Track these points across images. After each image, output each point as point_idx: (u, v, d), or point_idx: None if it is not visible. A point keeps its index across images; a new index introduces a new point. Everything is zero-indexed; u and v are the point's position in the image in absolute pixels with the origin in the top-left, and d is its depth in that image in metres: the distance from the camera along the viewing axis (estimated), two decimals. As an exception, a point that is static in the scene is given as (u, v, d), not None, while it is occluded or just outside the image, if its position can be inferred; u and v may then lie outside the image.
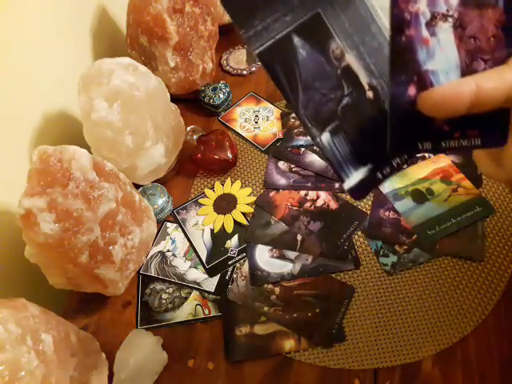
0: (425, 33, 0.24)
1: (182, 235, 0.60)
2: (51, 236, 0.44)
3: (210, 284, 0.55)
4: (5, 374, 0.34)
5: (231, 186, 0.63)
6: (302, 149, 0.66)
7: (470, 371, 0.45)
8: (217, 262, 0.57)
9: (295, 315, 0.51)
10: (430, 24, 0.24)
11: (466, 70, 0.25)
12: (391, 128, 0.25)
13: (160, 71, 0.68)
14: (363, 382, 0.46)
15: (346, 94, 0.27)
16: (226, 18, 0.83)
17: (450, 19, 0.24)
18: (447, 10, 0.24)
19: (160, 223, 0.61)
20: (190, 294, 0.55)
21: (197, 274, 0.56)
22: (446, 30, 0.24)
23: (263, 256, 0.56)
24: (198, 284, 0.55)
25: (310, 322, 0.50)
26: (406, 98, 0.25)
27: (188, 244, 0.59)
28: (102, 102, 0.54)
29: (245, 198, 0.61)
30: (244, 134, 0.70)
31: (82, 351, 0.44)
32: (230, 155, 0.63)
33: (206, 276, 0.56)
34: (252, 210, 0.60)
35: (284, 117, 0.71)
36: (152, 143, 0.59)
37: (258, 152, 0.67)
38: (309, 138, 0.67)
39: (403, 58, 0.24)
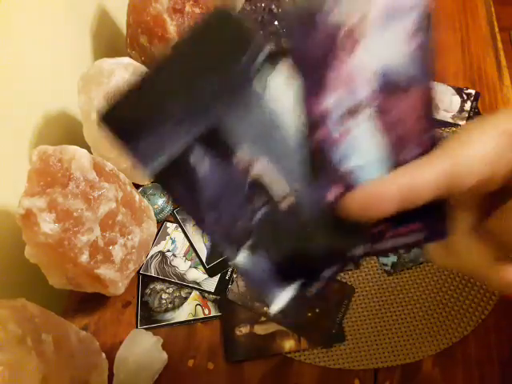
0: (340, 129, 0.21)
1: (182, 235, 0.60)
2: (51, 236, 0.44)
3: (210, 284, 0.55)
4: (5, 374, 0.34)
5: (231, 186, 0.63)
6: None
7: (470, 371, 0.45)
8: (217, 262, 0.57)
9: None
10: (345, 119, 0.21)
11: (397, 160, 0.22)
12: (314, 238, 0.22)
13: (160, 71, 0.68)
14: (363, 382, 0.46)
15: (258, 208, 0.23)
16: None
17: (368, 109, 0.21)
18: (365, 100, 0.21)
19: (160, 223, 0.61)
20: (190, 294, 0.55)
21: (197, 274, 0.56)
22: (364, 122, 0.21)
23: (263, 256, 0.56)
24: (198, 284, 0.55)
25: (310, 321, 0.50)
26: (327, 203, 0.21)
27: (188, 244, 0.59)
28: (101, 101, 0.54)
29: (245, 198, 0.61)
30: (244, 133, 0.70)
31: (82, 351, 0.44)
32: (229, 155, 0.63)
33: (206, 276, 0.56)
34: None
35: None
36: (152, 143, 0.59)
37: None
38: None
39: (317, 160, 0.21)
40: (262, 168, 0.22)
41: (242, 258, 0.23)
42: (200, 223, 0.22)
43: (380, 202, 0.20)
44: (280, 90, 0.22)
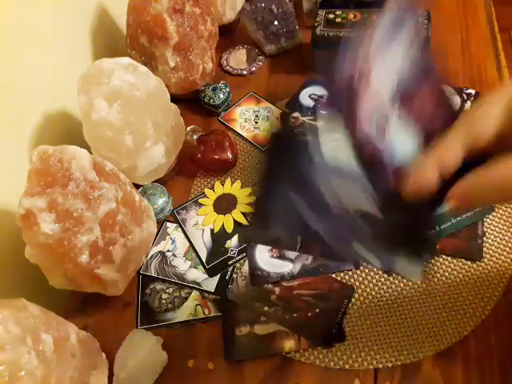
0: (382, 140, 0.30)
1: (182, 235, 0.60)
2: (51, 236, 0.44)
3: (210, 284, 0.55)
4: (5, 374, 0.34)
5: (231, 186, 0.63)
6: (302, 149, 0.66)
7: (469, 371, 0.45)
8: (217, 262, 0.57)
9: (295, 315, 0.51)
10: (382, 131, 0.30)
11: (428, 140, 0.29)
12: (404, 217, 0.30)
13: (160, 71, 0.68)
14: (363, 382, 0.46)
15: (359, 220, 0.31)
16: (226, 18, 0.83)
17: (395, 115, 0.30)
18: (390, 110, 0.30)
19: (160, 223, 0.61)
20: (190, 294, 0.55)
21: (197, 274, 0.56)
22: (397, 125, 0.30)
23: (263, 256, 0.56)
24: (198, 284, 0.55)
25: (309, 321, 0.50)
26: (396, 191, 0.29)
27: (188, 244, 0.59)
28: (101, 101, 0.54)
29: (245, 198, 0.61)
30: (244, 134, 0.70)
31: (82, 351, 0.44)
32: (229, 155, 0.63)
33: (206, 276, 0.56)
34: (252, 210, 0.60)
35: (284, 117, 0.71)
36: (152, 143, 0.59)
37: (257, 152, 0.67)
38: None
39: (374, 167, 0.30)
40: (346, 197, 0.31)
41: (359, 249, 0.31)
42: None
43: (427, 181, 0.27)
44: (332, 147, 0.31)
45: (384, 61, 0.29)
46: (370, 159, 0.29)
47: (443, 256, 0.53)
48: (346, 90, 0.30)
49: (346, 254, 0.31)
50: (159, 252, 0.59)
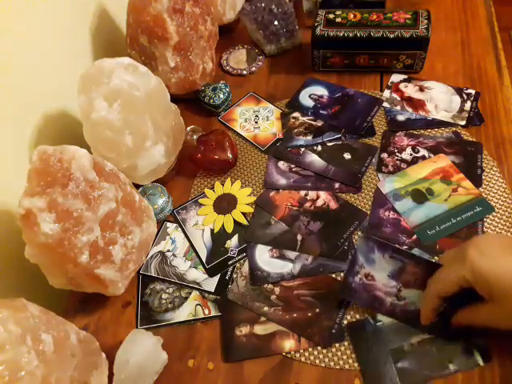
0: (402, 302, 0.50)
1: (182, 235, 0.60)
2: (51, 236, 0.44)
3: (210, 284, 0.55)
4: (5, 374, 0.34)
5: (231, 186, 0.63)
6: (302, 149, 0.66)
7: (470, 371, 0.45)
8: (217, 262, 0.57)
9: (295, 315, 0.51)
10: (399, 295, 0.50)
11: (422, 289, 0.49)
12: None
13: (160, 71, 0.68)
14: (363, 382, 0.46)
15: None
16: (226, 18, 0.83)
17: (399, 287, 0.50)
18: (396, 287, 0.51)
19: (160, 223, 0.61)
20: (190, 293, 0.55)
21: (197, 274, 0.56)
22: (408, 289, 0.50)
23: (263, 256, 0.56)
24: (198, 284, 0.55)
25: (310, 322, 0.50)
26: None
27: (188, 244, 0.59)
28: (101, 101, 0.54)
29: (245, 198, 0.61)
30: (244, 134, 0.70)
31: (82, 351, 0.44)
32: (229, 155, 0.63)
33: (206, 276, 0.56)
34: (252, 210, 0.60)
35: (284, 117, 0.71)
36: (152, 143, 0.59)
37: (257, 152, 0.67)
38: (308, 137, 0.67)
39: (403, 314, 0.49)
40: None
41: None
42: None
43: (428, 318, 0.47)
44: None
45: (374, 267, 0.52)
46: (402, 315, 0.48)
47: (443, 256, 0.53)
48: (363, 288, 0.50)
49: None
50: (159, 252, 0.59)
